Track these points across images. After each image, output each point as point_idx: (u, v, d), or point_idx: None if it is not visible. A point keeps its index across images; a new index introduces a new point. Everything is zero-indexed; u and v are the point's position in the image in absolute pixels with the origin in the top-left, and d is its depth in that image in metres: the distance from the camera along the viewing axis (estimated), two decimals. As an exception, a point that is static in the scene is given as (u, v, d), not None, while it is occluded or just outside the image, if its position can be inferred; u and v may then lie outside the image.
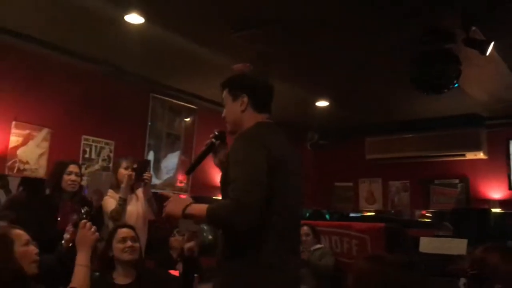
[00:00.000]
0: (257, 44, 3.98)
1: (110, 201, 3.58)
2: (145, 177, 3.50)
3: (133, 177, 3.49)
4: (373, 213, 7.11)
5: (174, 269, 3.68)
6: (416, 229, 5.71)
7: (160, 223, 3.89)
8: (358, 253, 4.38)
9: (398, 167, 6.78)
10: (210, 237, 5.59)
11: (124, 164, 3.74)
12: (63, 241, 2.46)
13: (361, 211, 7.11)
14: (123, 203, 3.51)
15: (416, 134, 6.40)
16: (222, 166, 2.05)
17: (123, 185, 3.55)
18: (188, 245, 2.84)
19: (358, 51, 4.18)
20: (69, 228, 2.35)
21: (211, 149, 2.18)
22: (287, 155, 1.97)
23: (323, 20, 3.66)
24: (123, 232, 2.86)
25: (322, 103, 5.70)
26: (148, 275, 2.87)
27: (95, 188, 3.18)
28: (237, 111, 2.03)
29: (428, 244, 4.24)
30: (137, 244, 2.79)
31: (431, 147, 6.34)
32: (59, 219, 2.90)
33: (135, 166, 3.59)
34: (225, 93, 2.09)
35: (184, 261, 2.82)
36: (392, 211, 7.09)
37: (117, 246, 2.75)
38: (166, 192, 3.55)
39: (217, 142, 2.18)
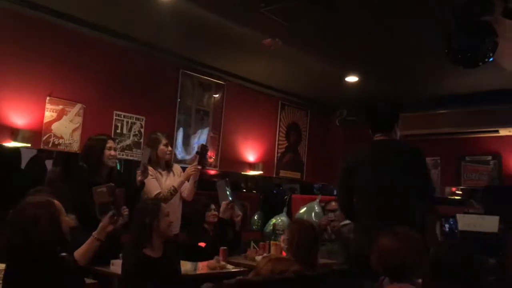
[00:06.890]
0: (286, 18, 3.94)
1: (153, 183, 3.66)
2: (206, 161, 3.82)
3: (197, 170, 3.76)
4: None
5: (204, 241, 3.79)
6: (445, 206, 5.66)
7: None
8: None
9: (429, 144, 6.63)
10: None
11: (164, 141, 3.83)
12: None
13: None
14: (174, 193, 3.66)
15: (448, 109, 6.24)
16: None
17: (181, 178, 3.76)
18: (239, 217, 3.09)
19: (389, 24, 4.08)
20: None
21: None
22: (364, 160, 2.99)
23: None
24: (165, 207, 3.02)
25: (351, 79, 5.62)
26: (172, 248, 2.98)
27: (143, 162, 3.47)
28: None
29: (460, 221, 4.21)
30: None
31: (463, 123, 6.19)
32: None
33: (198, 150, 3.84)
34: None
35: (221, 224, 3.07)
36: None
37: (164, 219, 2.89)
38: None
39: None
